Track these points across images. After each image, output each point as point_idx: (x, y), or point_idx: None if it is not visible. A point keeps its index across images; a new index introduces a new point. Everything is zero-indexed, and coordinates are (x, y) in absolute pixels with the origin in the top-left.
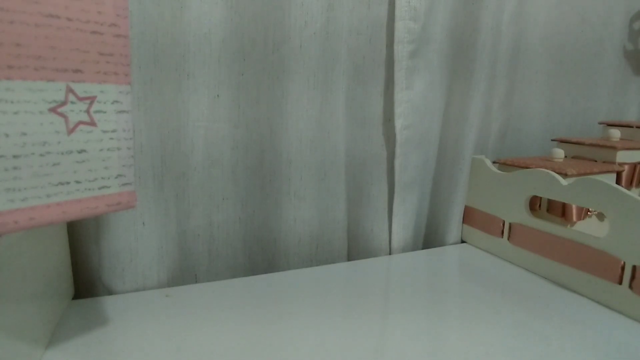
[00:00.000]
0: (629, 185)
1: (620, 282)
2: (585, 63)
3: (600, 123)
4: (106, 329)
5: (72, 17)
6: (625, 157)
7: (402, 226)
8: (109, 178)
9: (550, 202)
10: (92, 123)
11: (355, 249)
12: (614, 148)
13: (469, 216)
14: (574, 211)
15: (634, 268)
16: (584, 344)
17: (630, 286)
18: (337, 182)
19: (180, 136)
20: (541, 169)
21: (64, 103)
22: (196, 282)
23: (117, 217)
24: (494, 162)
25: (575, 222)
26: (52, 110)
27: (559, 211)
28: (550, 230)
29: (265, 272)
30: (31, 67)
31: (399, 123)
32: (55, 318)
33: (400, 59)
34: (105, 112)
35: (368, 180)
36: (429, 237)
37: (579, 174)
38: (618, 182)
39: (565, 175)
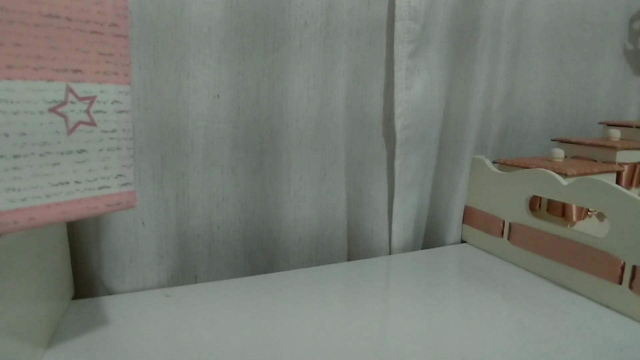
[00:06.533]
0: (629, 185)
1: (620, 282)
2: (585, 63)
3: (600, 123)
4: (106, 329)
5: (72, 17)
6: (625, 157)
7: (402, 226)
8: (109, 178)
9: (550, 202)
10: (92, 123)
11: (355, 249)
12: (614, 148)
13: (469, 216)
14: (574, 211)
15: (634, 268)
16: (584, 344)
17: (630, 286)
18: (337, 182)
19: (180, 136)
20: (541, 169)
21: (63, 103)
22: (196, 282)
23: (117, 217)
24: (494, 162)
25: (575, 222)
26: (52, 110)
27: (559, 211)
28: (550, 230)
29: (265, 272)
30: (31, 67)
31: (399, 123)
32: (55, 318)
33: (400, 59)
34: (105, 112)
35: (368, 180)
36: (429, 237)
37: (579, 174)
38: (618, 182)
39: (565, 175)
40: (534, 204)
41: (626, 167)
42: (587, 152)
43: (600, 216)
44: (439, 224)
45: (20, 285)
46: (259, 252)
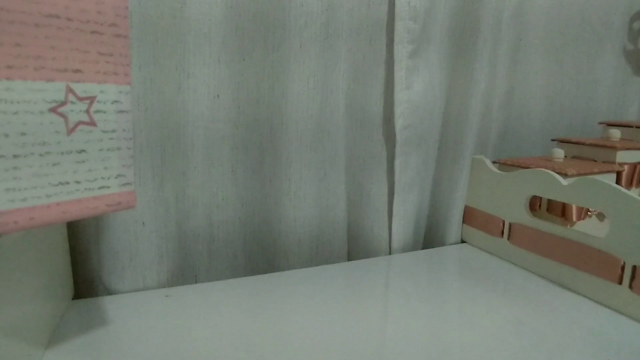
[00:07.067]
0: (629, 185)
1: (620, 282)
2: (585, 63)
3: (600, 123)
4: (106, 329)
5: (72, 17)
6: (625, 157)
7: (402, 226)
8: (108, 178)
9: (550, 202)
10: (92, 123)
11: (355, 249)
12: (614, 148)
13: (469, 216)
14: (574, 211)
15: (634, 268)
16: (584, 344)
17: (630, 286)
18: (337, 182)
19: (180, 136)
20: (541, 169)
21: (63, 103)
22: (196, 282)
23: (117, 217)
24: (494, 162)
25: (575, 222)
26: (52, 110)
27: (559, 211)
28: (550, 230)
29: (265, 272)
30: (31, 67)
31: (399, 123)
32: (55, 318)
33: (400, 59)
34: (105, 112)
35: (368, 180)
36: (429, 237)
37: (579, 174)
38: (618, 182)
39: (565, 175)
40: (534, 204)
41: (626, 167)
42: (587, 152)
43: (600, 216)
44: (439, 224)
45: (20, 285)
46: (259, 252)
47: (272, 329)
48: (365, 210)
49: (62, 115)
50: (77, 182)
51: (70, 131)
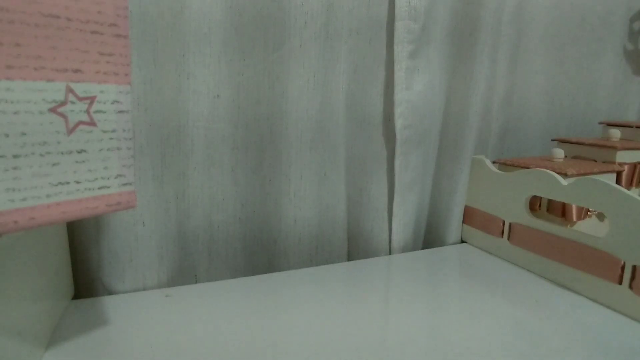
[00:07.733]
0: (629, 185)
1: (620, 282)
2: (585, 63)
3: (600, 123)
4: (106, 329)
5: (72, 17)
6: (625, 157)
7: (402, 226)
8: (108, 178)
9: (550, 202)
10: (92, 123)
11: (355, 249)
12: (614, 148)
13: (469, 216)
14: (574, 211)
15: (634, 268)
16: (583, 343)
17: (630, 286)
18: (337, 182)
19: (180, 136)
20: (541, 169)
21: (63, 103)
22: (196, 282)
23: (117, 217)
24: (494, 162)
25: (575, 222)
26: (52, 110)
27: (559, 211)
28: (550, 230)
29: (265, 272)
30: (31, 67)
31: (399, 123)
32: (55, 318)
33: (400, 59)
34: (105, 112)
35: (368, 180)
36: (429, 237)
37: (579, 174)
38: (618, 182)
39: (565, 175)
40: (534, 204)
41: (626, 167)
42: (587, 152)
43: (600, 216)
44: (439, 224)
45: (20, 285)
46: (259, 252)
47: (272, 329)
48: (365, 210)
49: (62, 115)
50: (77, 182)
51: (70, 131)
